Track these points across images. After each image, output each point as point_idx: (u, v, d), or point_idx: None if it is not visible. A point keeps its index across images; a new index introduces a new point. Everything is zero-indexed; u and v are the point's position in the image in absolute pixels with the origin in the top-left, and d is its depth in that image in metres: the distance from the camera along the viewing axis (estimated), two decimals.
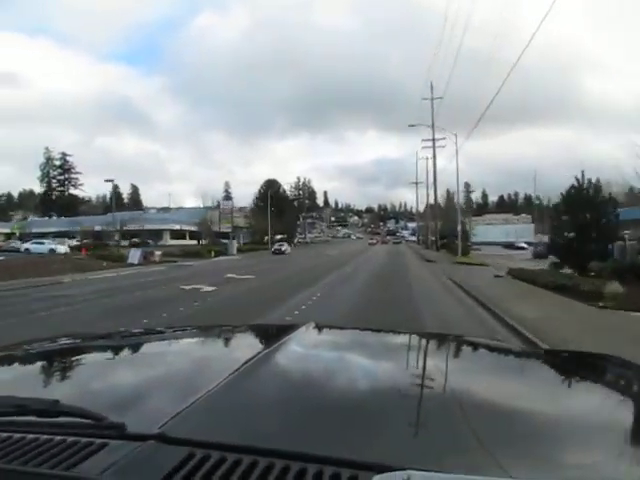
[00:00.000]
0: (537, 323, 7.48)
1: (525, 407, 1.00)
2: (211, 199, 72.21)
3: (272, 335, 1.85)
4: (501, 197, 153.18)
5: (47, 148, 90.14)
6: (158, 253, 34.38)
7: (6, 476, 0.69)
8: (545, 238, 54.69)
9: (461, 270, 21.41)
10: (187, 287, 15.09)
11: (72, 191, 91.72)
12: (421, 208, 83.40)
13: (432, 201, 57.57)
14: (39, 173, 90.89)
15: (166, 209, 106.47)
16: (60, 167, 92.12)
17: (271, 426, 0.88)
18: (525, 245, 63.92)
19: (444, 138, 47.33)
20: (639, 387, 1.30)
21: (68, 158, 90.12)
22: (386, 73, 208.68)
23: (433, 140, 48.21)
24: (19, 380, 1.27)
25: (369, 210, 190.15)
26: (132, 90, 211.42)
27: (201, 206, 71.37)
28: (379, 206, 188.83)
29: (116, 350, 1.68)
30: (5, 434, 0.81)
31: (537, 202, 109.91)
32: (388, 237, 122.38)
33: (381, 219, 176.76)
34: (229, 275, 19.87)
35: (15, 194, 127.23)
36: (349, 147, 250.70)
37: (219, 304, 11.27)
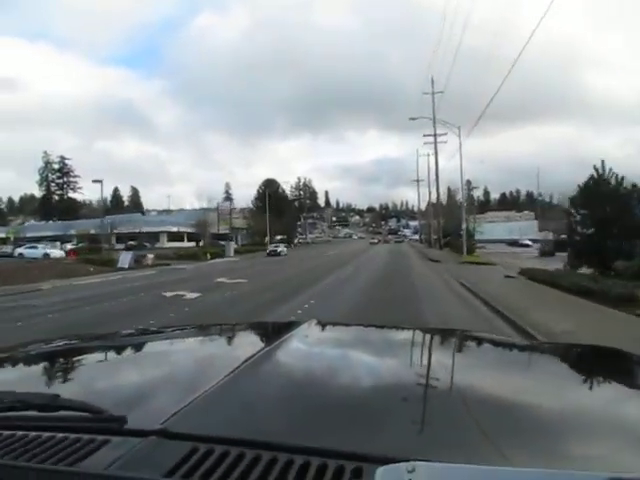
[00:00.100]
0: (574, 339, 6.09)
1: (529, 399, 1.00)
2: (212, 200, 70.99)
3: (275, 332, 1.83)
4: (503, 194, 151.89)
5: (46, 152, 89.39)
6: (151, 256, 33.06)
7: (11, 473, 0.70)
8: (550, 235, 53.93)
9: (468, 271, 20.02)
10: (169, 294, 13.75)
11: (71, 194, 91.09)
12: (423, 206, 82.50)
13: (434, 199, 56.48)
14: (38, 177, 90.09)
15: (167, 211, 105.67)
16: (59, 170, 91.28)
17: (274, 421, 0.88)
18: (529, 242, 62.71)
19: (445, 134, 46.20)
20: None
21: (67, 161, 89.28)
22: (386, 72, 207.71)
23: (434, 136, 46.95)
24: (21, 380, 1.24)
25: (370, 209, 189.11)
26: (132, 92, 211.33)
27: (203, 207, 70.01)
28: (380, 205, 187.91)
29: (118, 349, 1.66)
30: (8, 431, 0.80)
31: (539, 199, 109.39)
32: (390, 236, 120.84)
33: (383, 218, 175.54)
34: (219, 279, 18.53)
35: (16, 199, 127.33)
36: (350, 147, 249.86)
37: (197, 316, 9.88)
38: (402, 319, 7.94)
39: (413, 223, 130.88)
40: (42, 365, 1.47)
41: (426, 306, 10.04)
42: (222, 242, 53.16)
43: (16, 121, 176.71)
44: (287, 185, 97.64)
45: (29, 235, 61.92)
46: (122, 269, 28.20)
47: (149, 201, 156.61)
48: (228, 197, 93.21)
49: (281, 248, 46.95)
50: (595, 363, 1.47)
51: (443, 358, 1.47)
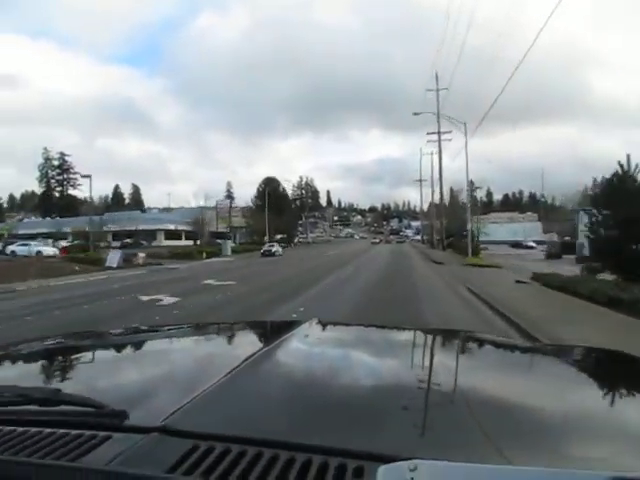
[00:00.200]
0: None
1: (530, 400, 1.00)
2: (210, 198, 69.76)
3: (275, 331, 1.83)
4: (506, 195, 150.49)
5: (45, 148, 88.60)
6: (142, 255, 31.82)
7: (11, 468, 0.69)
8: (555, 237, 52.66)
9: (474, 274, 18.66)
10: (146, 298, 12.45)
11: (71, 191, 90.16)
12: (425, 207, 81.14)
13: (437, 199, 55.13)
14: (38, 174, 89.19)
15: (167, 209, 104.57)
16: (58, 167, 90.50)
17: (276, 419, 0.88)
18: (533, 244, 61.50)
19: (450, 131, 44.99)
20: None
21: (67, 158, 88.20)
22: (389, 72, 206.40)
23: (439, 133, 45.72)
24: (22, 376, 1.24)
25: (372, 209, 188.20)
26: (134, 91, 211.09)
27: (201, 205, 68.80)
28: (382, 205, 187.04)
29: (119, 347, 1.65)
30: (10, 427, 0.80)
31: (542, 200, 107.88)
32: (391, 236, 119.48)
33: (384, 218, 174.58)
34: (207, 281, 17.22)
35: (18, 196, 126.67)
36: (352, 146, 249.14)
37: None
38: (406, 320, 6.63)
39: (415, 223, 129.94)
40: (43, 362, 1.45)
41: (432, 318, 8.70)
42: (219, 241, 51.99)
43: (18, 118, 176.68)
44: (288, 184, 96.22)
45: (24, 232, 60.95)
46: (110, 268, 26.97)
47: (150, 199, 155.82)
48: (229, 196, 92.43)
49: (276, 248, 44.87)
50: (598, 365, 1.48)
51: (445, 358, 1.48)
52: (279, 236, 73.77)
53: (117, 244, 57.90)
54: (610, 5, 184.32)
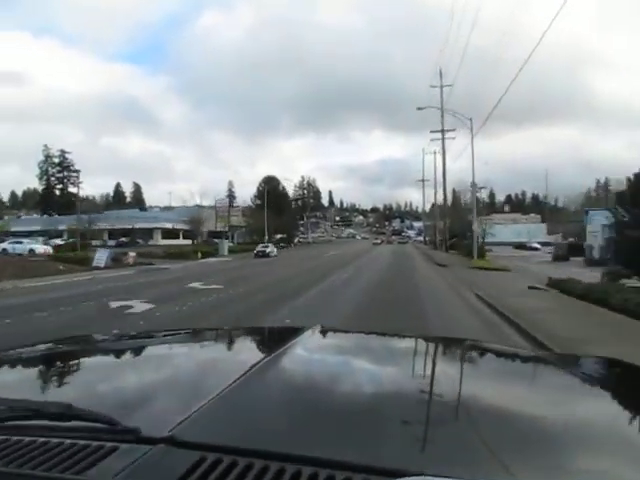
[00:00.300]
0: None
1: (538, 413, 0.98)
2: (206, 196, 68.39)
3: (279, 338, 1.81)
4: (508, 196, 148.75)
5: (46, 145, 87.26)
6: (132, 255, 30.42)
7: None
8: (560, 238, 51.13)
9: (482, 278, 17.26)
10: (116, 304, 11.09)
11: (71, 189, 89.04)
12: (427, 207, 79.66)
13: (439, 199, 53.70)
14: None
15: (169, 208, 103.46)
16: (59, 164, 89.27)
17: (282, 430, 0.87)
18: (538, 246, 60.04)
19: (454, 129, 43.62)
20: None
21: (67, 155, 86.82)
22: (392, 72, 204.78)
23: (442, 131, 44.29)
24: (27, 383, 1.23)
25: (374, 210, 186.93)
26: (138, 89, 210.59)
27: (198, 204, 67.49)
28: (384, 206, 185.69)
29: (124, 353, 1.64)
30: (16, 437, 0.80)
31: (545, 201, 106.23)
32: (393, 237, 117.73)
33: (386, 219, 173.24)
34: (192, 284, 15.84)
35: (20, 193, 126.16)
36: (355, 147, 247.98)
37: None
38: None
39: (417, 224, 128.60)
40: (49, 368, 1.44)
41: (439, 333, 7.27)
42: (217, 240, 50.71)
43: (21, 115, 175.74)
44: (288, 183, 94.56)
45: (21, 230, 59.81)
46: (98, 268, 25.62)
47: (153, 198, 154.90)
48: (231, 195, 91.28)
49: (270, 249, 42.69)
50: (604, 375, 1.47)
51: (451, 369, 1.45)
52: (279, 236, 72.43)
53: (113, 242, 57.00)
54: (615, 6, 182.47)
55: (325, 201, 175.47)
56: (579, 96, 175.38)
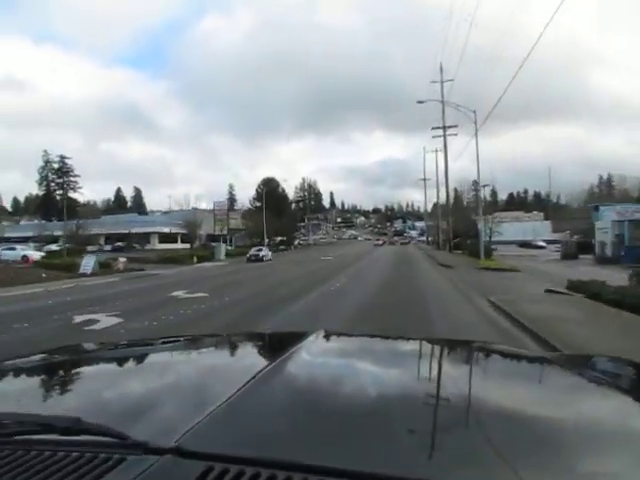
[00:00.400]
0: None
1: (545, 416, 0.96)
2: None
3: (282, 343, 1.76)
4: (510, 194, 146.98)
5: (45, 151, 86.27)
6: (123, 260, 29.09)
7: None
8: (568, 236, 49.75)
9: (492, 280, 15.87)
10: (80, 319, 9.75)
11: (71, 194, 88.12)
12: (429, 207, 78.14)
13: (442, 197, 52.30)
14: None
15: (170, 212, 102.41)
16: (59, 170, 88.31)
17: (289, 438, 0.86)
18: (543, 244, 58.56)
19: (456, 126, 42.34)
20: None
21: (67, 161, 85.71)
22: (392, 73, 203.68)
23: (444, 128, 42.94)
24: (26, 395, 1.20)
25: (376, 211, 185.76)
26: (138, 93, 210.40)
27: (195, 208, 66.19)
28: (386, 207, 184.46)
29: (128, 361, 1.62)
30: (22, 451, 0.80)
31: (548, 199, 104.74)
32: (395, 237, 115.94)
33: (388, 219, 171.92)
34: (175, 293, 14.48)
35: (22, 199, 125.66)
36: (355, 148, 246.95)
37: None
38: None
39: (419, 224, 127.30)
40: (53, 378, 1.42)
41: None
42: (215, 244, 49.40)
43: (22, 122, 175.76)
44: (287, 184, 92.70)
45: (17, 235, 58.74)
46: (84, 275, 24.30)
47: (154, 202, 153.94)
48: (232, 198, 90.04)
49: (264, 252, 40.64)
50: (613, 375, 1.42)
51: (458, 372, 1.42)
52: (279, 238, 71.02)
53: (109, 247, 55.91)
54: (614, 4, 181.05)
55: (326, 203, 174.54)
56: (579, 94, 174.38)
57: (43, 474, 0.72)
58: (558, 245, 43.24)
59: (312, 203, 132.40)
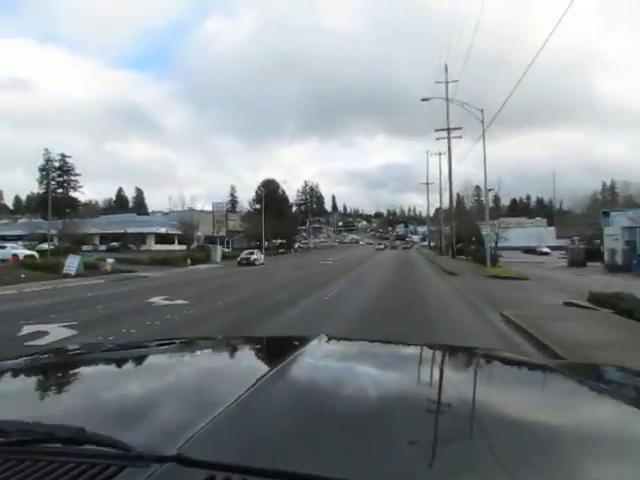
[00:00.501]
0: None
1: (548, 425, 0.94)
2: (195, 200, 65.98)
3: (284, 348, 1.73)
4: (513, 200, 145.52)
5: (46, 149, 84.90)
6: (110, 261, 27.78)
7: None
8: (576, 242, 48.36)
9: (502, 290, 14.52)
10: (29, 330, 8.43)
11: (72, 193, 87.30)
12: (432, 212, 76.73)
13: (445, 201, 50.90)
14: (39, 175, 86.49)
15: (170, 213, 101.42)
16: (59, 169, 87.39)
17: (292, 447, 0.84)
18: (548, 250, 57.18)
19: (460, 127, 41.13)
20: None
21: (67, 159, 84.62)
22: (396, 77, 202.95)
23: (448, 130, 41.69)
24: (22, 400, 1.18)
25: (378, 215, 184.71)
26: (141, 94, 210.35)
27: (192, 208, 64.89)
28: (388, 211, 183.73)
29: (129, 365, 1.59)
30: (20, 460, 0.79)
31: (551, 205, 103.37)
32: (397, 242, 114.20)
33: (390, 224, 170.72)
34: (153, 299, 13.16)
35: (24, 197, 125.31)
36: (358, 152, 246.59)
37: None
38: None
39: (421, 229, 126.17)
40: (52, 381, 1.40)
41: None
42: (212, 246, 48.15)
43: (25, 121, 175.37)
44: (287, 185, 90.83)
45: (11, 234, 57.71)
46: (68, 276, 23.04)
47: (156, 203, 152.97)
48: (233, 200, 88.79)
49: (256, 256, 38.46)
50: (614, 384, 1.41)
51: (464, 380, 1.40)
52: (278, 241, 69.68)
53: (104, 247, 54.78)
54: (617, 8, 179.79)
55: (328, 206, 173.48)
56: (582, 99, 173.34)
57: None
58: (563, 252, 42.03)
59: (314, 206, 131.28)
